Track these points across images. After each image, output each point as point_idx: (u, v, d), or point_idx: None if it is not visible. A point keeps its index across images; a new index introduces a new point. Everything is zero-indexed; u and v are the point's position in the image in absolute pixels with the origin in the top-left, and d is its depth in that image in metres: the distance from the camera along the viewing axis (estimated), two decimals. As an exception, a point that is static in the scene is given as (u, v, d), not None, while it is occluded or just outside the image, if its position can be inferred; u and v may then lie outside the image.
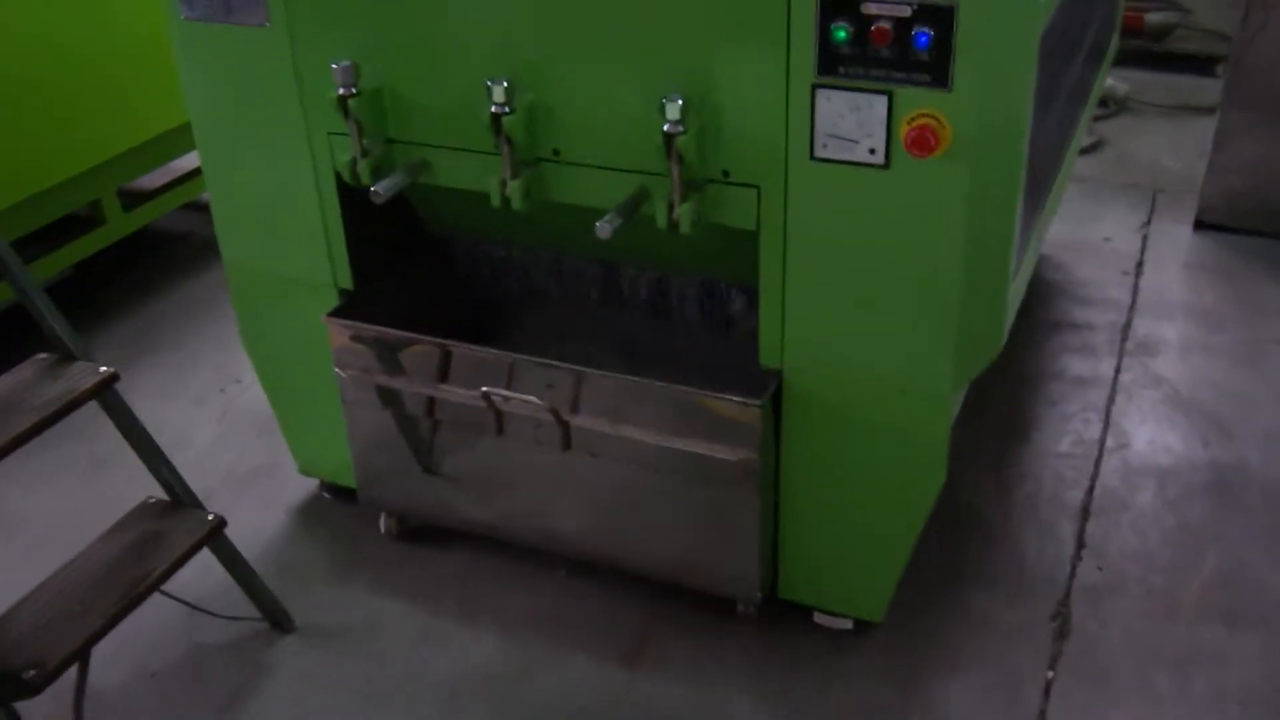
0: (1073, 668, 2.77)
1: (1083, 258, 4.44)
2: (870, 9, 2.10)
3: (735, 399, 2.52)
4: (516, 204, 2.49)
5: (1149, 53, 6.12)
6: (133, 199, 4.35)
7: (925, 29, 2.07)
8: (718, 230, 2.43)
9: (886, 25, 2.09)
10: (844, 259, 2.34)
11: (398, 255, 3.03)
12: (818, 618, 2.87)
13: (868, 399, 2.48)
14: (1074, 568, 3.05)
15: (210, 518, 2.71)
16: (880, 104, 2.16)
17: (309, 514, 3.33)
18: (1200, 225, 4.62)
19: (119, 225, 4.22)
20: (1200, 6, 6.35)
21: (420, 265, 3.14)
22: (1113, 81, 5.52)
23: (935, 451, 2.49)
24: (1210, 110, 5.56)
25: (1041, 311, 4.09)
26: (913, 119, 2.14)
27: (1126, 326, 4.03)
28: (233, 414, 3.75)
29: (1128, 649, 2.82)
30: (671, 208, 2.35)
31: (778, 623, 2.88)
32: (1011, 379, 3.72)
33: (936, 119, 2.12)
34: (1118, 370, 3.80)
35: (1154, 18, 6.18)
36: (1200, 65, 6.08)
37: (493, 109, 2.39)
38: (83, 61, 3.87)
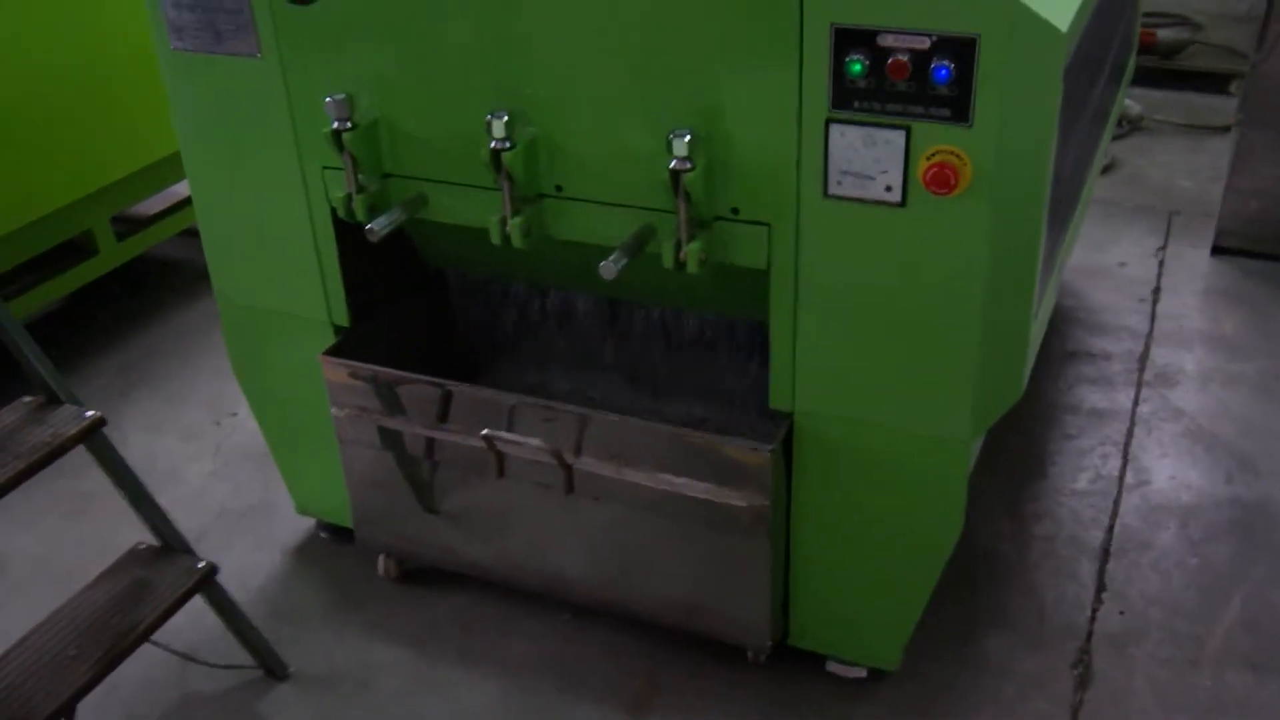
0: (1096, 719, 2.67)
1: (1097, 283, 4.35)
2: (887, 41, 2.00)
3: (745, 443, 2.42)
4: (517, 241, 2.39)
5: (1161, 70, 6.03)
6: (129, 225, 4.26)
7: (945, 62, 1.97)
8: (727, 268, 2.33)
9: (904, 58, 2.00)
10: (858, 300, 2.25)
11: (395, 290, 2.94)
12: (830, 666, 2.77)
13: (883, 444, 2.38)
14: (1094, 612, 2.95)
15: (201, 565, 2.62)
16: (898, 139, 2.07)
17: (305, 554, 3.24)
18: (1218, 250, 4.52)
19: (112, 255, 4.14)
20: (1213, 23, 6.27)
21: (418, 300, 3.06)
22: (1126, 100, 5.42)
23: (953, 500, 2.40)
24: (1224, 129, 5.48)
25: (1056, 340, 3.99)
26: (931, 155, 2.05)
27: (1144, 356, 3.93)
28: (227, 448, 3.66)
29: (1153, 699, 2.72)
30: (679, 246, 2.26)
31: (789, 671, 2.79)
32: (1025, 411, 3.62)
33: (957, 155, 2.03)
34: (1136, 402, 3.70)
35: (1166, 34, 6.10)
36: (1213, 83, 6.00)
37: (493, 144, 2.29)
38: (72, 88, 3.79)
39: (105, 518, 3.25)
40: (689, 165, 2.16)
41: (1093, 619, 2.93)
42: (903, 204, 2.11)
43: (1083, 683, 2.77)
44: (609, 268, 2.23)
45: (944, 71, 1.98)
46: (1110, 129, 3.78)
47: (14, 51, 3.60)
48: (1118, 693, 2.73)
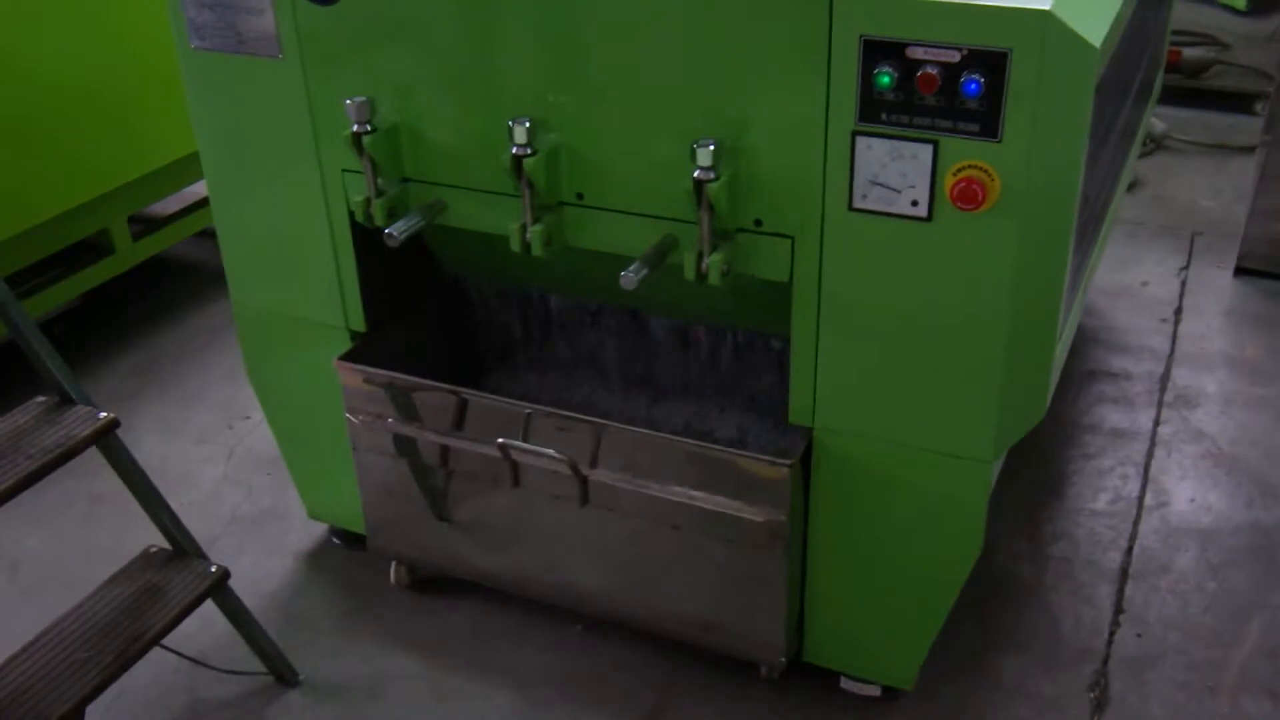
0: (1113, 744, 2.64)
1: (1119, 303, 4.31)
2: (916, 53, 1.98)
3: (763, 458, 2.40)
4: (537, 250, 2.37)
5: (1186, 89, 5.99)
6: (146, 225, 4.26)
7: (975, 76, 1.94)
8: (749, 280, 2.31)
9: (933, 71, 1.97)
10: (881, 315, 2.22)
11: (413, 296, 2.92)
12: (845, 683, 2.74)
13: (903, 462, 2.35)
14: (1112, 635, 2.92)
15: (213, 569, 2.60)
16: (925, 153, 2.04)
17: (317, 561, 3.22)
18: (1241, 271, 4.48)
19: (128, 254, 4.13)
20: (1239, 42, 6.23)
21: (436, 308, 3.03)
22: (1151, 119, 5.38)
23: (973, 520, 2.36)
24: (1249, 149, 5.43)
25: (1076, 359, 3.96)
26: (959, 170, 2.02)
27: (1165, 377, 3.89)
28: (240, 452, 3.64)
29: (1171, 725, 2.68)
30: (700, 258, 2.23)
31: (803, 687, 2.76)
32: (1045, 430, 3.58)
33: (985, 171, 2.00)
34: (1156, 423, 3.66)
35: (1191, 53, 6.06)
36: (1238, 102, 5.95)
37: (514, 150, 2.27)
38: (90, 86, 3.78)
39: (118, 520, 3.24)
40: (713, 175, 2.14)
41: (1110, 642, 2.90)
42: (929, 219, 2.09)
43: (1099, 706, 2.73)
44: (629, 278, 2.20)
45: (974, 85, 1.95)
46: (1137, 147, 3.75)
47: (32, 50, 3.60)
48: (1134, 717, 2.70)
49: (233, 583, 2.69)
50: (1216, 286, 4.43)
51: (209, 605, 2.65)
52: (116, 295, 4.44)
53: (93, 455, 2.54)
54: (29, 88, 3.60)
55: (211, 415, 3.84)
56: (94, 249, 4.05)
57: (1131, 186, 5.16)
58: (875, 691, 2.72)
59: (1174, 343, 4.08)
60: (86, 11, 3.73)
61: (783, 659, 2.64)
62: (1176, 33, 5.99)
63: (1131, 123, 3.33)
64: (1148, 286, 4.43)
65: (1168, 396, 3.79)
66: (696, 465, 2.47)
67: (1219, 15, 6.49)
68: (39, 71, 3.62)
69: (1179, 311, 4.27)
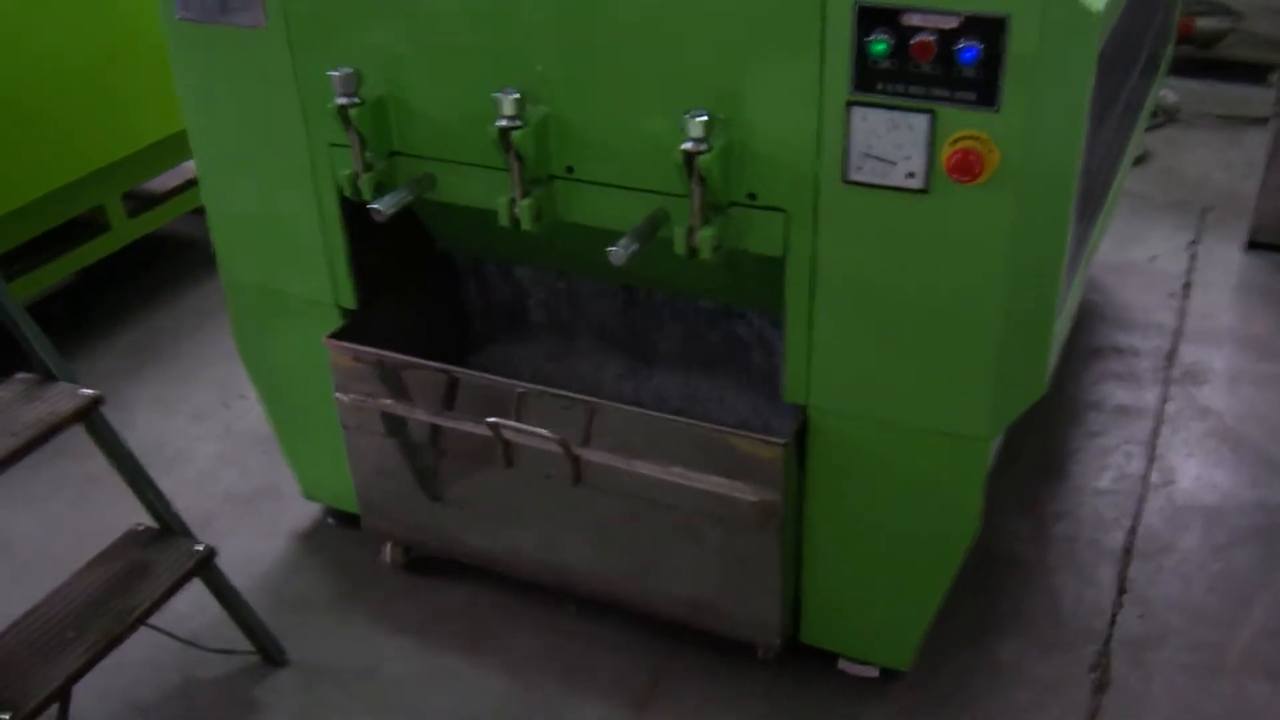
0: (1113, 726, 2.60)
1: (1126, 278, 4.25)
2: (912, 20, 1.92)
3: (757, 437, 2.36)
4: (526, 224, 2.32)
5: (1198, 60, 5.90)
6: (141, 202, 4.21)
7: (972, 43, 1.89)
8: (742, 255, 2.26)
9: (929, 38, 1.91)
10: (877, 290, 2.17)
11: (404, 272, 2.88)
12: (842, 664, 2.70)
13: (899, 441, 2.30)
14: (1114, 615, 2.87)
15: (199, 548, 2.57)
16: (921, 123, 1.99)
17: (311, 540, 3.19)
18: (1252, 245, 4.41)
19: (123, 232, 4.09)
20: (1252, 11, 6.13)
21: (427, 283, 2.99)
22: (1162, 90, 5.30)
23: (970, 499, 2.32)
24: (1262, 121, 5.34)
25: (1081, 336, 3.90)
26: (956, 141, 1.97)
27: (1172, 353, 3.83)
28: (236, 431, 3.61)
29: (1172, 706, 2.64)
30: (691, 232, 2.18)
31: (799, 668, 2.72)
32: (1048, 408, 3.49)
33: (982, 141, 1.95)
34: (1163, 400, 3.61)
35: (1204, 23, 5.97)
36: (1252, 73, 5.86)
37: (502, 122, 2.22)
38: (84, 62, 3.73)
39: (110, 500, 3.18)
40: (704, 147, 2.09)
41: (1112, 623, 2.85)
42: (925, 191, 2.03)
43: (1100, 688, 2.69)
44: (617, 254, 2.15)
45: (971, 52, 1.89)
46: (1144, 120, 3.68)
47: (25, 25, 3.55)
48: (1136, 699, 2.66)
49: (225, 562, 2.67)
50: (1227, 261, 4.37)
51: (202, 585, 2.63)
52: (113, 273, 4.40)
53: (87, 436, 2.51)
54: (20, 63, 3.55)
55: (208, 393, 3.81)
56: (89, 226, 4.01)
57: (1141, 159, 5.08)
58: (873, 673, 2.69)
59: (1182, 319, 4.02)
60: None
61: (778, 640, 2.61)
62: (1189, 2, 5.90)
63: (1138, 95, 3.27)
64: (1156, 261, 4.37)
65: (1175, 373, 3.73)
66: (689, 444, 2.42)
67: (1232, -15, 6.40)
68: (31, 46, 3.58)
69: (1188, 287, 4.21)
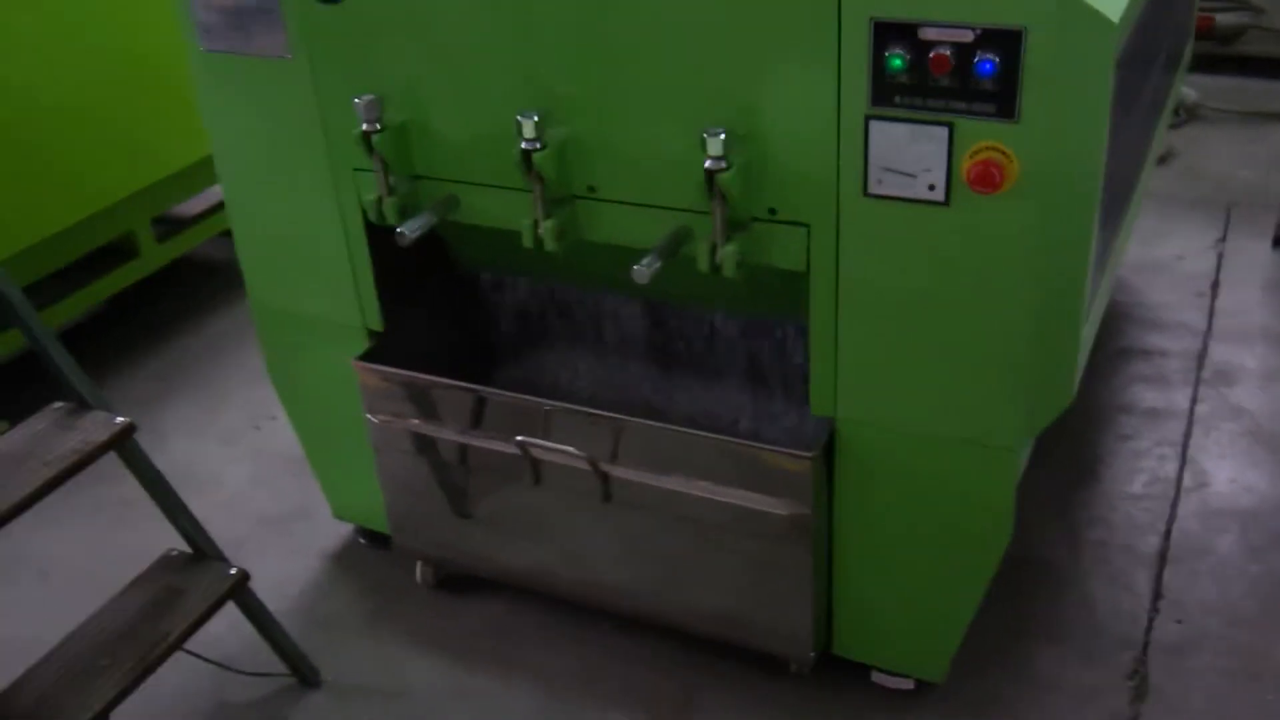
0: (1152, 734, 2.58)
1: (1153, 278, 4.22)
2: (929, 34, 1.92)
3: (785, 450, 2.35)
4: (550, 244, 2.34)
5: (1219, 56, 5.86)
6: (170, 227, 4.25)
7: (989, 55, 1.89)
8: (766, 269, 2.26)
9: (946, 52, 1.91)
10: (900, 302, 2.17)
11: (429, 291, 2.90)
12: (875, 677, 2.69)
13: (928, 451, 2.30)
14: (1150, 622, 2.85)
15: (232, 572, 2.59)
16: (940, 136, 1.99)
17: (343, 560, 3.21)
18: None
19: (152, 257, 4.13)
20: (1273, 7, 6.09)
21: (453, 303, 3.01)
22: (1183, 88, 5.27)
23: (1001, 508, 2.31)
24: (1285, 118, 5.32)
25: (1109, 337, 3.88)
26: (976, 152, 1.96)
27: (1202, 353, 3.81)
28: (266, 453, 3.63)
29: (1212, 713, 2.62)
30: (714, 248, 2.19)
31: (832, 681, 2.71)
32: (1078, 412, 3.50)
33: (1002, 152, 1.95)
34: (1194, 401, 3.58)
35: (1224, 19, 5.94)
36: (1273, 69, 5.82)
37: (523, 145, 2.24)
38: (113, 89, 3.78)
39: (146, 524, 3.19)
40: (724, 165, 2.09)
41: (1148, 629, 2.83)
42: (946, 203, 2.03)
43: (1138, 695, 2.67)
44: (641, 272, 2.16)
45: (988, 65, 1.89)
46: (1166, 120, 3.66)
47: (55, 53, 3.60)
48: (1175, 706, 2.64)
49: (258, 584, 2.68)
50: (1254, 259, 4.34)
51: (234, 608, 2.64)
52: (142, 298, 4.44)
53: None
54: (50, 93, 3.60)
55: (238, 416, 3.84)
56: (118, 253, 4.05)
57: (1165, 158, 5.05)
58: (908, 685, 2.68)
59: (1211, 318, 3.99)
60: (104, 17, 3.72)
61: (811, 654, 2.60)
62: (1210, -2, 5.88)
63: (1159, 93, 3.25)
64: (1183, 261, 4.34)
65: (1205, 373, 3.70)
66: (717, 459, 2.43)
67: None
68: (60, 77, 3.62)
69: (1215, 285, 4.18)
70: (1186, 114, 5.44)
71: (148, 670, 2.42)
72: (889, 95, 1.99)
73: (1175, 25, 3.42)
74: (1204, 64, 5.61)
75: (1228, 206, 4.69)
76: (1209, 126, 5.42)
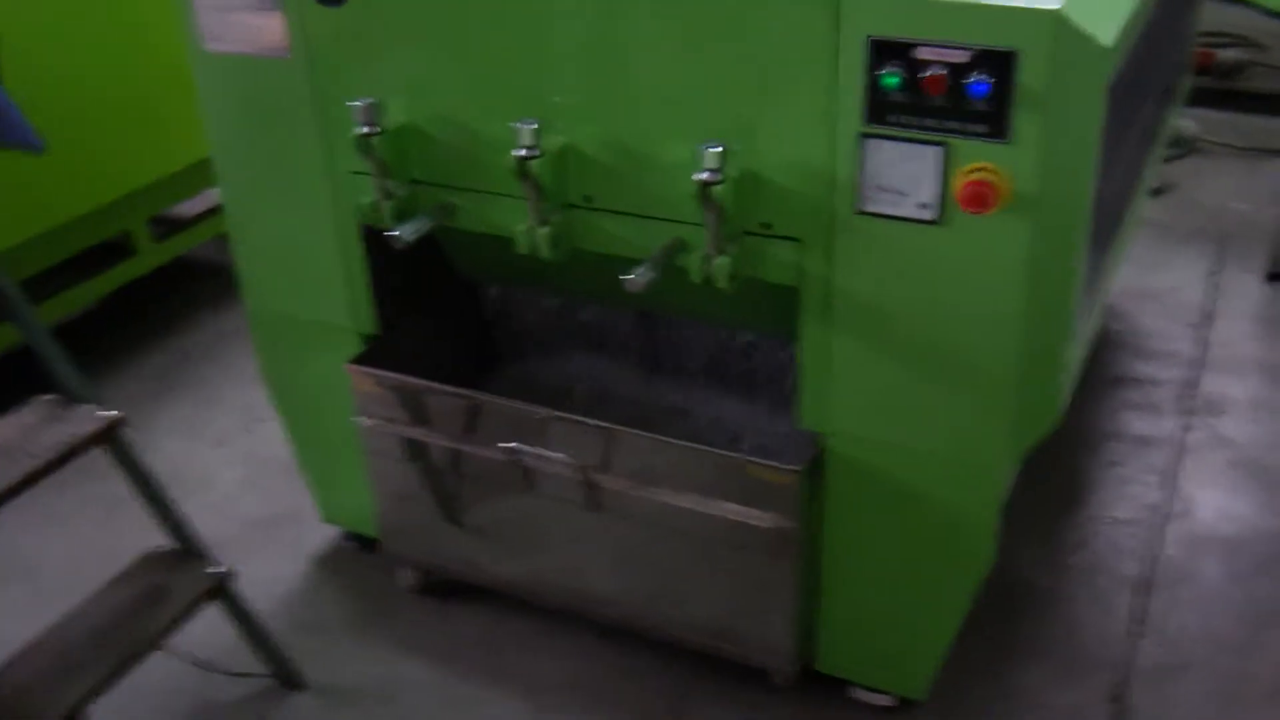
0: (1131, 758, 2.59)
1: (1146, 307, 4.24)
2: (923, 54, 1.94)
3: (772, 464, 2.37)
4: (545, 252, 2.35)
5: (1219, 91, 5.89)
6: (168, 226, 4.26)
7: (983, 76, 1.91)
8: (758, 282, 2.28)
9: (941, 72, 1.93)
10: (891, 318, 2.18)
11: (424, 296, 2.91)
12: (856, 693, 2.70)
13: (914, 468, 2.31)
14: (1134, 644, 2.86)
15: (215, 571, 2.59)
16: (933, 155, 2.01)
17: (331, 564, 3.21)
18: (1273, 276, 4.39)
19: (149, 256, 4.14)
20: (1274, 43, 6.13)
21: (448, 309, 3.02)
22: (1182, 121, 5.30)
23: (985, 528, 2.32)
24: (1283, 153, 5.35)
25: (1101, 365, 3.90)
26: (968, 172, 1.98)
27: (1192, 383, 3.82)
28: (257, 455, 3.64)
29: (1191, 737, 2.63)
30: (707, 260, 2.20)
31: (815, 696, 2.72)
32: (1066, 437, 3.50)
33: (994, 173, 1.96)
34: (1183, 430, 3.60)
35: (1225, 55, 5.98)
36: (1273, 105, 5.85)
37: (520, 152, 2.25)
38: (112, 88, 3.79)
39: (136, 522, 3.20)
40: (719, 178, 2.11)
41: (1131, 651, 2.84)
42: (938, 222, 2.05)
43: (1118, 716, 2.67)
44: (634, 281, 2.18)
45: (982, 86, 1.91)
46: (1159, 150, 3.68)
47: (54, 51, 3.61)
48: (1155, 730, 2.65)
49: (244, 585, 2.69)
50: (1248, 291, 4.36)
51: (220, 608, 2.65)
52: (139, 297, 4.45)
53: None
54: (51, 90, 3.60)
55: (231, 418, 3.84)
56: (116, 250, 4.06)
57: (1161, 190, 5.07)
58: (888, 702, 2.68)
59: (1203, 348, 4.00)
60: (107, 13, 3.73)
61: (793, 667, 2.61)
62: (1210, 34, 5.91)
63: (1152, 124, 3.27)
64: (1177, 291, 4.35)
65: (1195, 403, 3.72)
66: (705, 471, 2.44)
67: (1254, 17, 6.35)
68: (61, 73, 3.63)
69: (1208, 316, 4.20)
70: (1186, 147, 5.47)
71: (127, 665, 2.42)
72: (883, 113, 2.01)
73: (1171, 59, 3.45)
74: (1205, 98, 5.64)
75: (1222, 239, 4.72)
76: (1207, 160, 5.44)
